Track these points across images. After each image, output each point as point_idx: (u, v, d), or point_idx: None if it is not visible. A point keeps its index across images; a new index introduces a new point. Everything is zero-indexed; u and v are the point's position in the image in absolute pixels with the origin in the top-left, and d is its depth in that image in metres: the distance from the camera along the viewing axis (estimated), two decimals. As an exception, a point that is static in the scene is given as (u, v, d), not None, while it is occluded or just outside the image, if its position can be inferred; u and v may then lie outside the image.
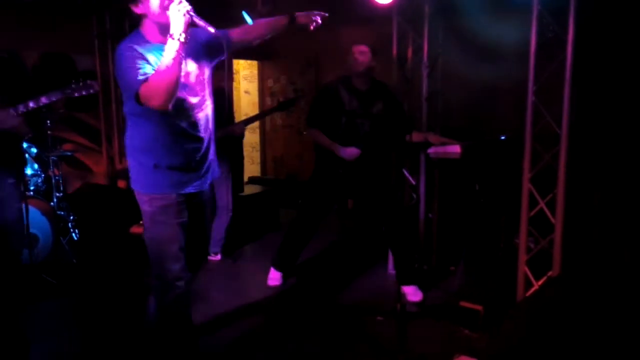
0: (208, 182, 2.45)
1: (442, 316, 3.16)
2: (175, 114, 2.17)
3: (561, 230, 3.02)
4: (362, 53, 3.37)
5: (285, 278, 3.88)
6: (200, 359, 2.72)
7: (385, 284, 3.85)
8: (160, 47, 2.09)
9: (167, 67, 1.98)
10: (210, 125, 2.42)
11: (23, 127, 3.22)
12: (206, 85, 2.36)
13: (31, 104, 3.33)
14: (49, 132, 4.38)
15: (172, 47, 2.00)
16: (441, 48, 3.93)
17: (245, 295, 3.69)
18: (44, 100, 3.37)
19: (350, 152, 3.39)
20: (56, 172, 4.47)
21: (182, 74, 2.08)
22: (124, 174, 5.72)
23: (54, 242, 4.08)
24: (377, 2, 3.51)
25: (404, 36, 3.91)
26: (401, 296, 2.93)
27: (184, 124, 2.24)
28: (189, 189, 2.33)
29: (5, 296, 3.02)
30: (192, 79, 2.27)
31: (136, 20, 2.20)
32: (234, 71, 8.05)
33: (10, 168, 3.18)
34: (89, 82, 3.47)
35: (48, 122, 4.36)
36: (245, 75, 8.19)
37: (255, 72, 7.90)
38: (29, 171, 4.29)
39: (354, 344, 2.94)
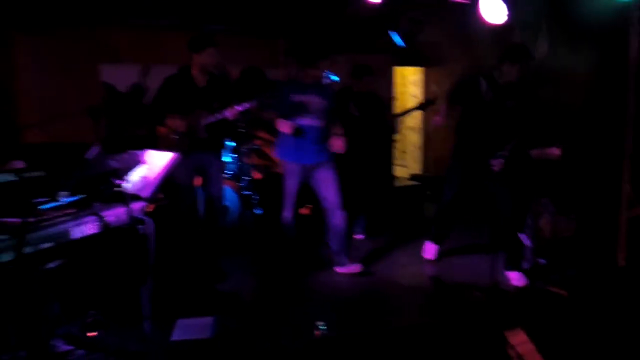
0: None
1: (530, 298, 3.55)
2: None
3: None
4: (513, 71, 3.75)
5: (439, 252, 4.52)
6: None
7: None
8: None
9: None
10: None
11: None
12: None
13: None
14: (242, 129, 5.71)
15: None
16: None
17: (372, 266, 4.50)
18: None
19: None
20: (246, 160, 5.81)
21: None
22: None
23: (240, 213, 5.40)
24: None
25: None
26: (499, 276, 3.42)
27: None
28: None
29: (210, 244, 4.30)
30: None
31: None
32: (403, 76, 8.83)
33: (218, 152, 4.39)
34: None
35: (242, 122, 5.71)
36: (413, 80, 8.89)
37: (422, 77, 8.56)
38: (228, 159, 5.69)
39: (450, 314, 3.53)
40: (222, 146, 4.54)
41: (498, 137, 3.86)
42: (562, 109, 3.65)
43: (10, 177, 2.01)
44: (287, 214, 4.21)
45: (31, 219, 2.14)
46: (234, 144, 5.79)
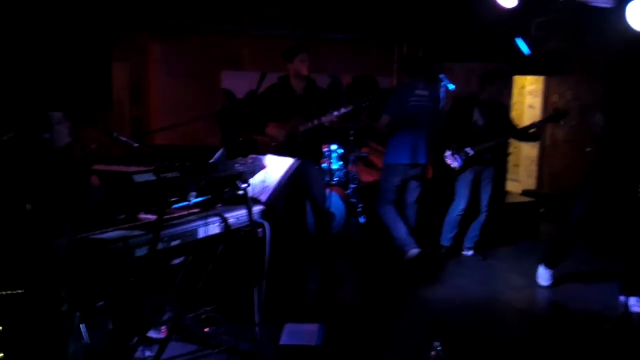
0: None
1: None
2: None
3: None
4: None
5: (554, 277, 4.22)
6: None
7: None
8: None
9: None
10: None
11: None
12: None
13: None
14: (351, 137, 5.72)
15: None
16: None
17: (482, 285, 4.30)
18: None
19: None
20: (353, 168, 5.81)
21: None
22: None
23: (345, 220, 5.40)
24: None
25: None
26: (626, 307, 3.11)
27: None
28: None
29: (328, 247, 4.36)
30: None
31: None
32: (520, 86, 8.37)
33: (317, 159, 4.39)
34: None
35: (352, 130, 5.71)
36: (531, 90, 8.40)
37: (541, 87, 8.06)
38: (334, 166, 5.71)
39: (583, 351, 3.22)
40: (321, 152, 4.55)
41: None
42: None
43: (149, 177, 2.14)
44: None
45: (165, 217, 2.26)
46: (341, 151, 5.81)
